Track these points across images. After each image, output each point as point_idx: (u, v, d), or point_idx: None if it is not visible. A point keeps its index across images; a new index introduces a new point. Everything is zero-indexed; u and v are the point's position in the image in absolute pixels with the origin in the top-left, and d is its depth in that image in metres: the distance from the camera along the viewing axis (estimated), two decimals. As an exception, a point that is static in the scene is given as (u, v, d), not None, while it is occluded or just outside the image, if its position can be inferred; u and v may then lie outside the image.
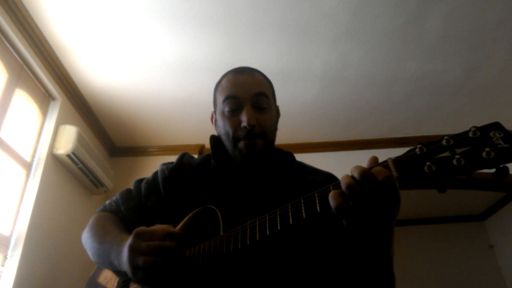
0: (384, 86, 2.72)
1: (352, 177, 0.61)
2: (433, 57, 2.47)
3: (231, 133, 0.94)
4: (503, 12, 2.15)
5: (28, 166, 2.20)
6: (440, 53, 2.44)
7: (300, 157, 1.07)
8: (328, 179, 0.98)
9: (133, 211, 1.03)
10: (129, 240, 0.79)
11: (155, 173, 1.08)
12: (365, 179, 0.59)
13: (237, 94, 0.95)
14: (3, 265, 1.93)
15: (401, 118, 3.09)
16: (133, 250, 0.78)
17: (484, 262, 4.93)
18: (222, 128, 0.98)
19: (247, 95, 0.94)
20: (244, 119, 0.91)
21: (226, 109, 0.95)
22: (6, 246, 1.97)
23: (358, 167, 0.62)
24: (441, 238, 5.13)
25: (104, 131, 3.09)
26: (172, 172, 1.04)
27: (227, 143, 0.97)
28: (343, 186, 0.61)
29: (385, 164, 0.64)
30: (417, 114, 3.04)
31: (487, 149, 0.55)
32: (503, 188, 3.39)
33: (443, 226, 5.22)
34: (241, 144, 0.94)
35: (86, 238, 1.00)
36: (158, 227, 0.82)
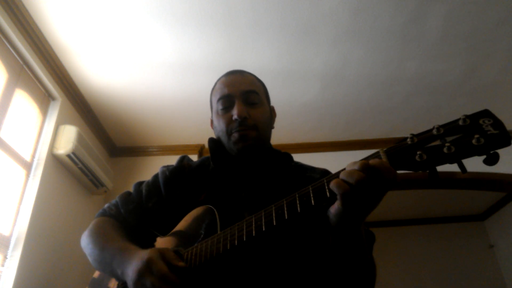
0: (384, 86, 2.72)
1: (360, 171, 0.62)
2: (433, 57, 2.47)
3: (224, 128, 0.99)
4: (503, 12, 2.15)
5: (28, 166, 2.20)
6: (440, 53, 2.44)
7: (300, 157, 1.09)
8: (325, 175, 1.00)
9: (132, 213, 1.03)
10: (138, 264, 0.79)
11: (156, 175, 1.09)
12: (373, 173, 0.61)
13: (228, 92, 1.00)
14: (3, 265, 1.93)
15: (401, 118, 3.09)
16: (139, 278, 0.77)
17: (484, 262, 4.93)
18: (217, 126, 1.03)
19: (237, 92, 1.00)
20: (235, 112, 0.96)
21: (220, 107, 1.01)
22: (6, 246, 1.97)
23: (355, 162, 0.64)
24: (441, 238, 5.13)
25: (104, 131, 3.09)
26: (173, 174, 1.06)
27: (223, 139, 1.01)
28: (350, 179, 0.62)
29: (377, 154, 0.65)
30: (417, 114, 3.04)
31: (476, 136, 0.56)
32: (503, 188, 3.39)
33: (443, 226, 5.22)
34: (234, 136, 0.97)
35: (87, 243, 1.00)
36: (168, 257, 0.80)
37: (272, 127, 1.09)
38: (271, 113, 1.10)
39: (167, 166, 1.10)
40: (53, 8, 2.03)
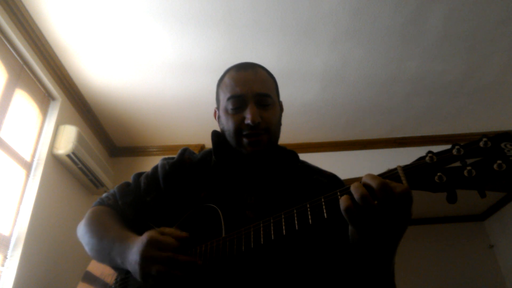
0: (384, 86, 2.72)
1: (366, 186, 0.60)
2: (433, 57, 2.47)
3: (234, 129, 0.94)
4: (503, 12, 2.15)
5: (28, 166, 2.20)
6: (440, 53, 2.44)
7: (300, 157, 1.07)
8: (332, 180, 0.98)
9: (130, 206, 1.01)
10: (140, 246, 0.79)
11: (155, 168, 1.06)
12: (383, 190, 0.59)
13: (241, 93, 0.94)
14: (3, 265, 1.93)
15: (401, 118, 3.09)
16: (145, 258, 0.77)
17: (484, 262, 4.93)
18: (225, 124, 0.97)
19: (250, 93, 0.94)
20: (248, 116, 0.91)
21: (230, 107, 0.95)
22: (6, 246, 1.97)
23: (375, 177, 0.61)
24: (441, 238, 5.13)
25: (104, 131, 3.09)
26: (173, 168, 1.03)
27: (231, 140, 0.97)
28: (356, 196, 0.60)
29: (394, 172, 0.63)
30: (417, 114, 3.04)
31: (499, 161, 0.55)
32: (503, 188, 3.39)
33: (443, 226, 5.22)
34: (245, 141, 0.93)
35: (84, 233, 0.98)
36: (168, 232, 0.81)
37: (280, 124, 1.03)
38: (281, 110, 1.05)
39: (167, 159, 1.07)
40: (53, 8, 2.03)
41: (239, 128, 0.93)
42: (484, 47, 2.40)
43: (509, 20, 2.20)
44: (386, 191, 0.59)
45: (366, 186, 0.61)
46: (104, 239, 0.91)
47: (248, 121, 0.90)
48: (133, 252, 0.80)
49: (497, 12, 2.15)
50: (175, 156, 1.08)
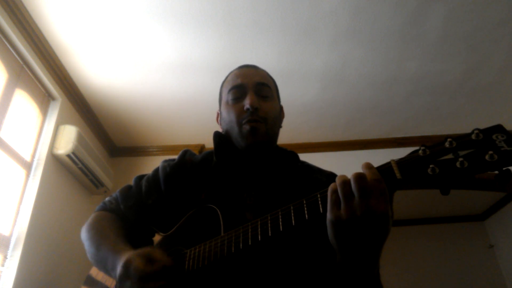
0: (384, 86, 2.72)
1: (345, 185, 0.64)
2: (433, 57, 2.47)
3: (235, 118, 0.97)
4: (503, 12, 2.15)
5: (28, 166, 2.20)
6: (440, 53, 2.44)
7: (300, 157, 1.07)
8: (331, 178, 0.97)
9: (132, 209, 1.02)
10: (120, 268, 0.78)
11: (156, 170, 1.07)
12: (357, 180, 0.62)
13: (241, 83, 0.99)
14: (3, 265, 1.93)
15: (401, 118, 3.09)
16: (120, 280, 0.78)
17: (484, 262, 4.93)
18: (226, 117, 1.01)
19: (250, 83, 0.99)
20: (247, 102, 0.95)
21: (231, 97, 1.00)
22: (6, 246, 1.97)
23: (338, 187, 0.65)
24: (441, 238, 5.13)
25: (104, 131, 3.09)
26: (174, 169, 1.03)
27: (232, 130, 0.99)
28: (337, 181, 0.64)
29: (388, 165, 0.65)
30: (417, 114, 3.04)
31: (490, 152, 0.56)
32: (503, 188, 3.39)
33: (443, 226, 5.22)
34: (245, 127, 0.95)
35: (85, 239, 1.00)
36: (156, 257, 0.78)
37: (280, 126, 1.07)
38: (281, 111, 1.08)
39: (168, 161, 1.07)
40: (53, 8, 2.03)
41: (240, 116, 0.96)
42: (484, 47, 2.40)
43: (509, 20, 2.20)
44: (360, 180, 0.62)
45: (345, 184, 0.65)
46: (101, 250, 0.92)
47: (247, 106, 0.94)
48: (117, 272, 0.80)
49: (497, 12, 2.15)
50: (176, 157, 1.08)
